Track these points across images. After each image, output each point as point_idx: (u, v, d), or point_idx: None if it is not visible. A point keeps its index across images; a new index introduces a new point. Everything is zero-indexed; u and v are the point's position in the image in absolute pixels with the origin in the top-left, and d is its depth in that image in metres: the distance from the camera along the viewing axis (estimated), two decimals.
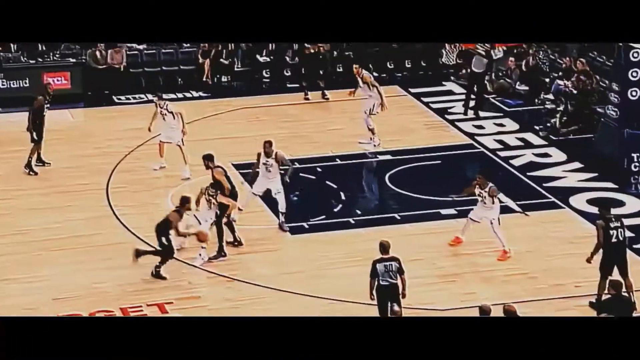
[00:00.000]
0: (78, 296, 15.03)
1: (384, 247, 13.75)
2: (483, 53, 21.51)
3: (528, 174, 19.06)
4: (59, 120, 21.43)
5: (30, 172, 18.91)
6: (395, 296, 13.60)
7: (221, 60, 23.56)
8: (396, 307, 13.09)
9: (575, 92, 21.23)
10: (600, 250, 14.53)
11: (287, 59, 23.96)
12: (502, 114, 22.06)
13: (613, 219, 14.53)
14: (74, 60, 23.11)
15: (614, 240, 14.38)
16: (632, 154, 19.05)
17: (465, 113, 21.83)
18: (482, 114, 21.90)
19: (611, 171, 18.96)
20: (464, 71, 23.47)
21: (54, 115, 21.20)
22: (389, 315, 13.24)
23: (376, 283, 13.60)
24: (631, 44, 18.96)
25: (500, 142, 20.68)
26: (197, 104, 22.12)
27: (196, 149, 18.87)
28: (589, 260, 14.57)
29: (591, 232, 16.30)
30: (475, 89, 21.86)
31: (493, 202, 16.10)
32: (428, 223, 17.11)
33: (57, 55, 23.12)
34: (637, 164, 19.02)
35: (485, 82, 21.99)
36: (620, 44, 19.09)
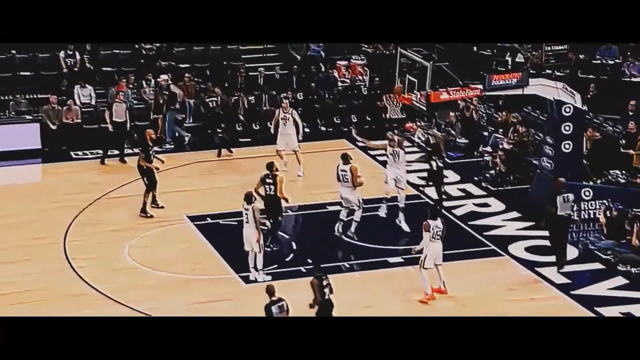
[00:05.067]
0: None
1: (270, 291, 13.98)
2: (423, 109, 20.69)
3: (469, 223, 19.34)
4: (16, 176, 21.68)
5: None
6: None
7: (176, 116, 23.69)
8: None
9: (511, 144, 21.56)
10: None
11: (240, 116, 24.13)
12: (443, 166, 21.76)
13: (324, 278, 14.62)
14: (30, 117, 23.26)
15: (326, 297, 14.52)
16: None
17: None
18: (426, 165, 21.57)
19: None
20: (408, 124, 23.85)
21: (11, 171, 21.58)
22: None
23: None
24: (562, 100, 19.45)
25: (443, 192, 20.64)
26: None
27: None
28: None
29: (530, 279, 17.16)
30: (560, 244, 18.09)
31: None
32: (376, 271, 17.16)
33: (12, 113, 23.28)
34: (571, 213, 18.93)
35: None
36: (552, 99, 19.57)
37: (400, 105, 23.63)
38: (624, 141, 20.94)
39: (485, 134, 23.32)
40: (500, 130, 22.78)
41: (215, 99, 23.29)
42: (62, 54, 24.41)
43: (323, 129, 24.75)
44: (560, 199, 17.41)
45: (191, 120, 24.37)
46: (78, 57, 24.57)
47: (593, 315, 15.96)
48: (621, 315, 14.55)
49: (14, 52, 24.36)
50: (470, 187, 21.26)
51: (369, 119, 25.00)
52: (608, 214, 18.58)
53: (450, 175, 21.74)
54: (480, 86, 19.23)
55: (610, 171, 20.11)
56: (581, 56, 24.48)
